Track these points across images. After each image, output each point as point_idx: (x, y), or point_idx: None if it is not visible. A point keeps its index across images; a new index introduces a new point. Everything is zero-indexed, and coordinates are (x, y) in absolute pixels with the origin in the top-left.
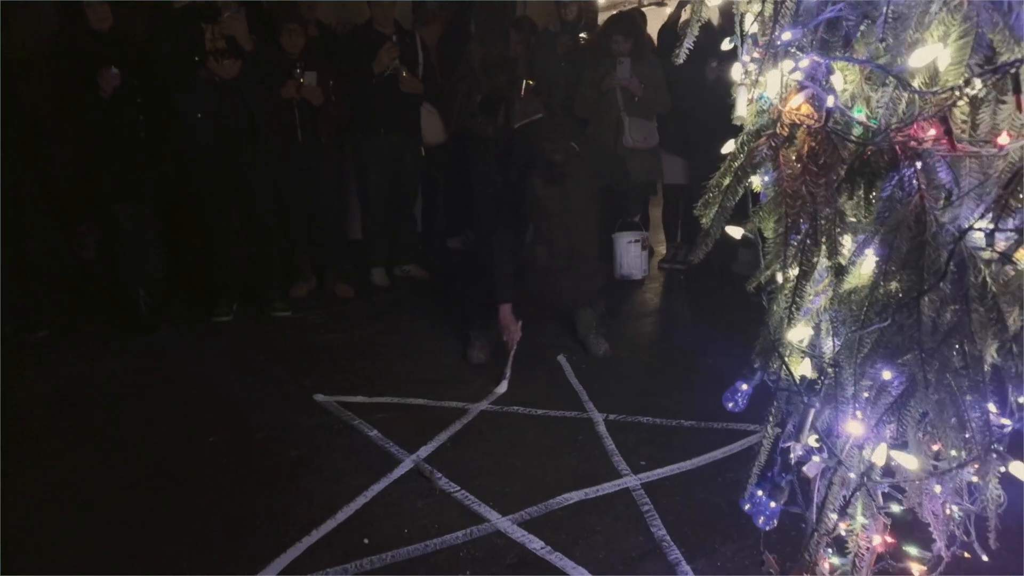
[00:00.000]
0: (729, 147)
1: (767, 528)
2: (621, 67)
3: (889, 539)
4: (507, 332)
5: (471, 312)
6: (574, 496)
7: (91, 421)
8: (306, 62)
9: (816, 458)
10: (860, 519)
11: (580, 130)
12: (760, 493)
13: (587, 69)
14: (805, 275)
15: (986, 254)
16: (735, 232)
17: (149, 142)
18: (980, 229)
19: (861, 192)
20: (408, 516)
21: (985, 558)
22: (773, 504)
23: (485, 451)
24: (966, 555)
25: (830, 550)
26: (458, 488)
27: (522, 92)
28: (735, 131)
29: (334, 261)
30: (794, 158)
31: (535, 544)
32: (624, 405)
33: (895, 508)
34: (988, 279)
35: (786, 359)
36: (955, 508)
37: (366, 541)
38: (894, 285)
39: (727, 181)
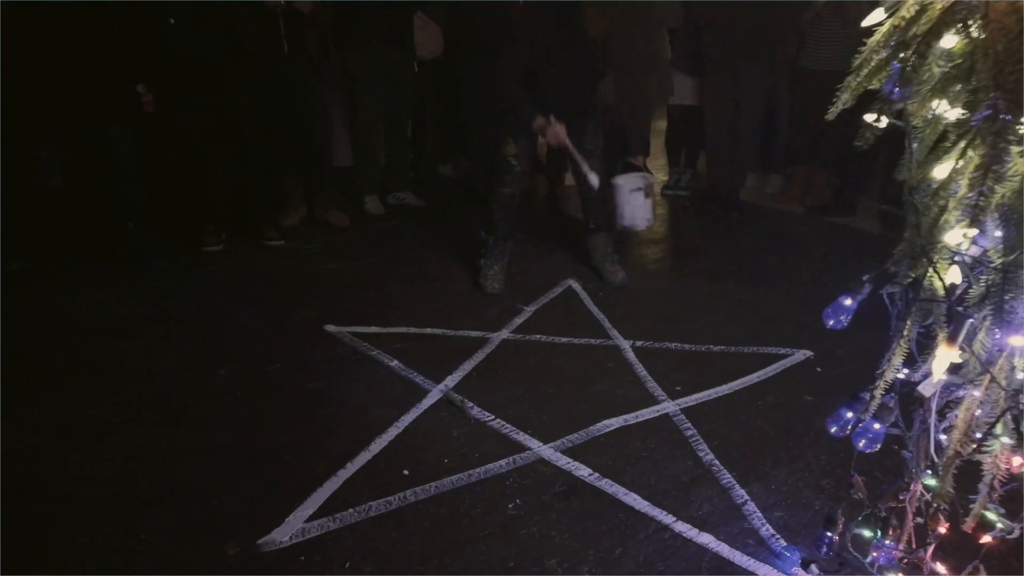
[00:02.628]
0: (878, 15)
1: (869, 451)
2: None
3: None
4: (550, 133)
5: (481, 241)
6: (614, 423)
7: (86, 354)
8: None
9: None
10: (1000, 440)
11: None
12: (849, 415)
13: None
14: (997, 159)
15: None
16: (874, 119)
17: (115, 54)
18: None
19: None
20: (445, 446)
21: None
22: (877, 426)
23: (513, 379)
24: None
25: (928, 472)
26: (492, 417)
27: None
28: (761, 46)
29: (325, 187)
30: (1008, 10)
31: (582, 471)
32: (648, 332)
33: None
34: None
35: (936, 264)
36: None
37: (406, 473)
38: None
39: (879, 56)
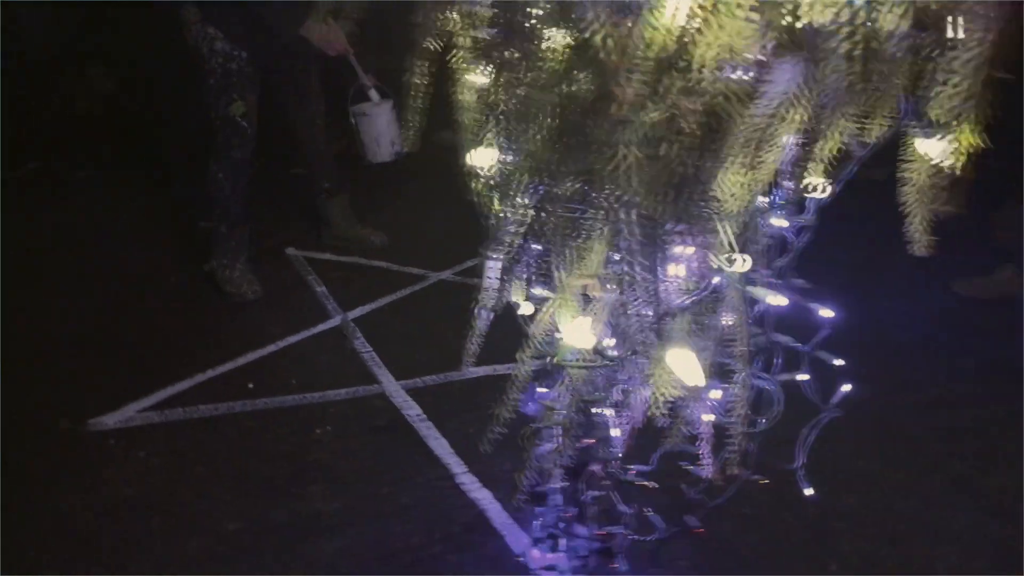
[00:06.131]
0: None
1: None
2: None
3: None
4: (327, 39)
5: (206, 234)
6: (481, 371)
7: (68, 257)
8: None
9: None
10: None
11: None
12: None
13: None
14: None
15: None
16: None
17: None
18: None
19: None
20: (305, 369)
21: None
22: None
23: (421, 318)
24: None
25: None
26: (370, 349)
27: None
28: None
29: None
30: None
31: (412, 411)
32: None
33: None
34: None
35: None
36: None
37: (251, 386)
38: None
39: None
